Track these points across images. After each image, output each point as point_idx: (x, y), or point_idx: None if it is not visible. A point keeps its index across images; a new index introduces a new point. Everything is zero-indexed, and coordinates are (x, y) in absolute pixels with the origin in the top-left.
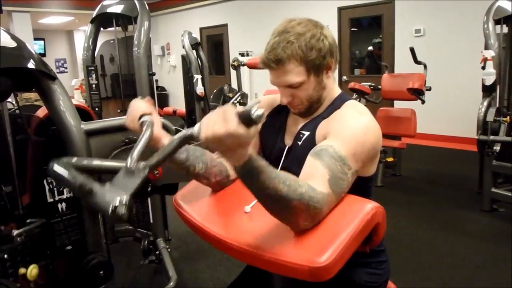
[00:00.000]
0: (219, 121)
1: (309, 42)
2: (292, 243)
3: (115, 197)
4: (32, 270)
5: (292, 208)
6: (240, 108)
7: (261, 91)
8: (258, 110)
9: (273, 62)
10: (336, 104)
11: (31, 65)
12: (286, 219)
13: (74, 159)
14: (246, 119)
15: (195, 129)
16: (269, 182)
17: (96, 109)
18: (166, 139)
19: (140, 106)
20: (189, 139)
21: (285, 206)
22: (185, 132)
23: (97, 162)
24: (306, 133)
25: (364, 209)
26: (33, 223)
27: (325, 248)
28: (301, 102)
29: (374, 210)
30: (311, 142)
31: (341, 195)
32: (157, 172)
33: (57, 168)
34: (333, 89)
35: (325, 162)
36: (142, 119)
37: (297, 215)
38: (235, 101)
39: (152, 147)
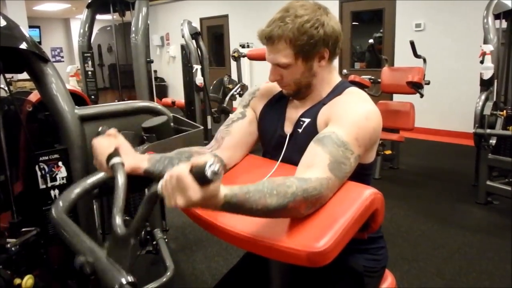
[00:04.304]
0: (177, 192)
1: (302, 27)
2: (290, 229)
3: (119, 278)
4: (27, 281)
5: (289, 208)
6: (196, 163)
7: (261, 82)
8: (213, 166)
9: (265, 38)
10: (337, 91)
11: (22, 45)
12: (288, 216)
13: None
14: (202, 180)
15: (159, 187)
16: (256, 205)
17: (92, 97)
18: (144, 163)
19: (103, 147)
20: (156, 198)
21: (282, 211)
22: (150, 192)
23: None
24: (307, 120)
25: (363, 195)
26: (28, 233)
27: (323, 234)
28: (288, 84)
29: (372, 196)
30: (312, 129)
31: (343, 180)
32: None
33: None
34: (333, 77)
35: (327, 148)
36: (110, 162)
37: (297, 210)
38: (235, 93)
39: (136, 175)
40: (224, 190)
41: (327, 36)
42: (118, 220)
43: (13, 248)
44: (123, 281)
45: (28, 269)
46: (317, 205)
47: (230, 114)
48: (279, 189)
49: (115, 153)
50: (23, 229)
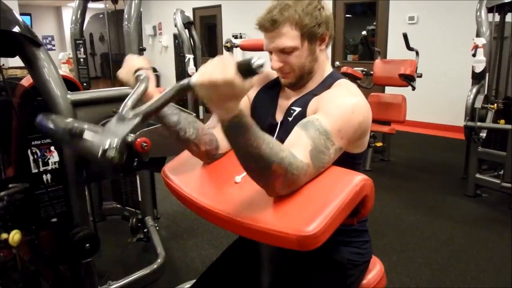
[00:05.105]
0: (218, 68)
1: (306, 8)
2: (281, 213)
3: (106, 140)
4: (14, 236)
5: (271, 170)
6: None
7: None
8: (259, 60)
9: (269, 22)
10: (328, 82)
11: (15, 29)
12: (263, 181)
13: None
14: (246, 70)
15: (192, 78)
16: (253, 140)
17: (84, 84)
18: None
19: (137, 60)
20: (185, 88)
21: (265, 168)
22: (182, 81)
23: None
24: (297, 109)
25: (353, 180)
26: (15, 187)
27: (313, 218)
28: (292, 70)
29: (363, 182)
30: (301, 119)
31: (320, 170)
32: (145, 144)
33: (46, 119)
34: (325, 66)
35: (310, 133)
36: (137, 73)
37: (275, 179)
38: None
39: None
40: (241, 108)
41: (327, 18)
42: (128, 103)
43: None
44: (106, 144)
45: (16, 226)
46: (292, 186)
47: None
48: (275, 146)
49: (145, 69)
50: (11, 185)
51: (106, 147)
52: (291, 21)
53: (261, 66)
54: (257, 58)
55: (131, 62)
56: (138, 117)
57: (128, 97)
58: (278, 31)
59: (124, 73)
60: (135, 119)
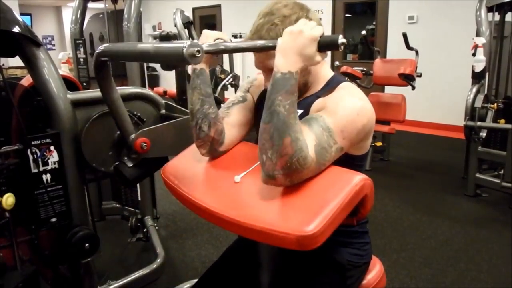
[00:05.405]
0: (309, 26)
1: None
2: (281, 213)
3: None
4: (7, 199)
5: (282, 141)
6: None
7: (253, 73)
8: (343, 39)
9: None
10: (331, 85)
11: (15, 29)
12: (267, 153)
13: None
14: (329, 42)
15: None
16: (289, 105)
17: (84, 84)
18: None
19: (215, 32)
20: (270, 48)
21: (279, 135)
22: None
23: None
24: (300, 111)
25: (353, 180)
26: (8, 148)
27: (313, 218)
28: None
29: (362, 182)
30: None
31: (321, 167)
32: (145, 144)
33: None
34: (325, 71)
35: (313, 129)
36: (217, 40)
37: (280, 154)
38: (227, 83)
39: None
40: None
41: None
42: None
43: None
44: (187, 45)
45: (10, 190)
46: (293, 177)
47: (221, 104)
48: (299, 126)
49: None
50: (4, 148)
51: (187, 46)
52: None
53: (344, 43)
54: (342, 37)
55: (210, 33)
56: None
57: None
58: (267, 52)
59: (204, 40)
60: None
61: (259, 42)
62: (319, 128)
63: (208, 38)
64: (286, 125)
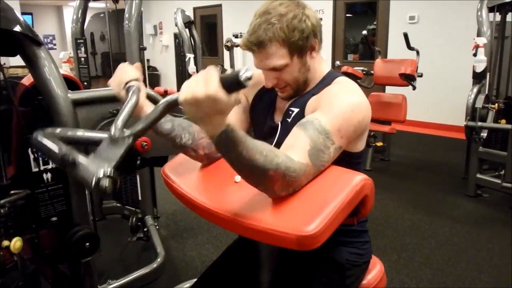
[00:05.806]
0: (200, 83)
1: (291, 23)
2: (281, 213)
3: (99, 169)
4: (15, 243)
5: (268, 177)
6: (228, 71)
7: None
8: (247, 72)
9: (255, 45)
10: (326, 81)
11: (16, 28)
12: (261, 187)
13: (58, 130)
14: (233, 83)
15: (180, 95)
16: (245, 153)
17: (85, 83)
18: (149, 108)
19: (128, 71)
20: (174, 104)
21: (261, 176)
22: (170, 97)
23: (81, 133)
24: (296, 110)
25: (353, 180)
26: (17, 194)
27: (313, 218)
28: (287, 84)
29: (363, 182)
30: (300, 119)
31: (320, 168)
32: (145, 144)
33: (40, 138)
34: (321, 68)
35: (309, 133)
36: (128, 85)
37: (273, 184)
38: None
39: (134, 116)
40: (229, 122)
41: (314, 26)
42: (119, 123)
43: (1, 210)
44: (100, 173)
45: (18, 232)
46: (290, 188)
47: None
48: (269, 153)
49: (136, 80)
50: (12, 191)
51: (100, 176)
52: (278, 40)
53: (249, 78)
54: (245, 70)
55: (122, 73)
56: (129, 138)
57: (118, 115)
58: (265, 52)
59: (114, 85)
60: (127, 141)
61: (160, 109)
62: (315, 132)
63: (119, 81)
64: (260, 167)
